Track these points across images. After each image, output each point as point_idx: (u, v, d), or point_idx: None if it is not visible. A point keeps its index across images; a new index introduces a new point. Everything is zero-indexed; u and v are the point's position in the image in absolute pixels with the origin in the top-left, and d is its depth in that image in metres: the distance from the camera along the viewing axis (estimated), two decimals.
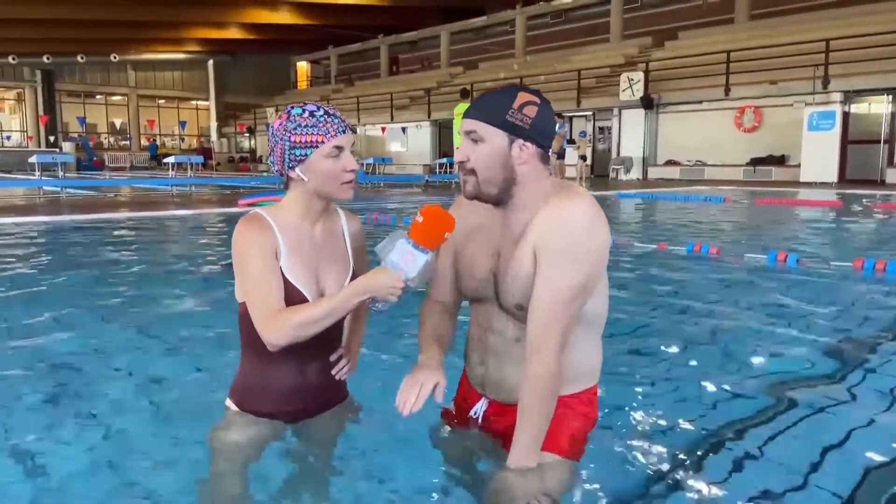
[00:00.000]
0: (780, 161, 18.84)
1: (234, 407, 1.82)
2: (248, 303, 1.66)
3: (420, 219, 1.55)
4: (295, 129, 1.66)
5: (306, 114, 1.67)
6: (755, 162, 19.05)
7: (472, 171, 1.62)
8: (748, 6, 22.10)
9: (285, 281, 1.67)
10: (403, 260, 1.55)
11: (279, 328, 1.60)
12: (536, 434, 1.61)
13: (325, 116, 1.67)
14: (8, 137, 34.77)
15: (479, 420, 1.84)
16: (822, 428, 2.10)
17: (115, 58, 32.25)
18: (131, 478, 1.79)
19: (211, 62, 37.27)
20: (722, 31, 21.49)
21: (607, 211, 11.34)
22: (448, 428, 1.90)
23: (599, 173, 22.45)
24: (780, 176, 18.26)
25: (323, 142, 1.65)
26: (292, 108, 1.69)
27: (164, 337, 3.17)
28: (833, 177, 16.73)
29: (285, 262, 1.67)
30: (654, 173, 20.92)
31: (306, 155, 1.66)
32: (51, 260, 5.81)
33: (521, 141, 1.59)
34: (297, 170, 1.68)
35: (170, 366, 2.74)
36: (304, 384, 1.78)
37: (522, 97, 1.59)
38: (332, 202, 1.77)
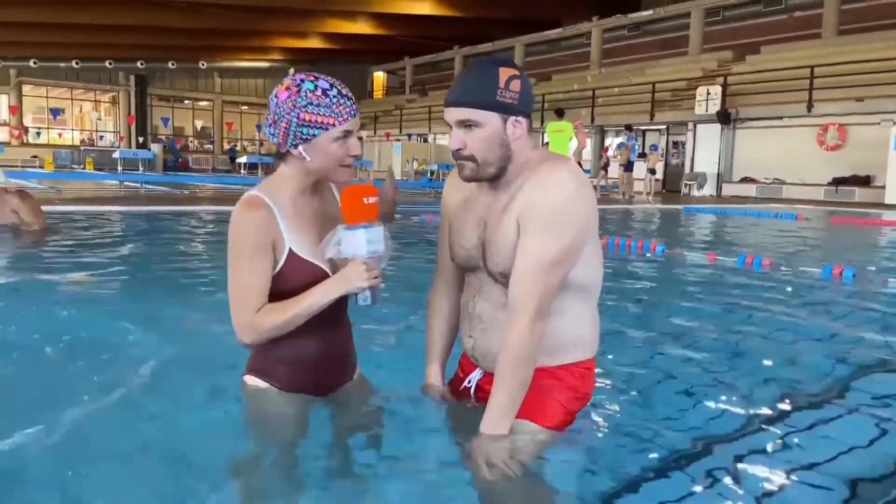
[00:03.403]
0: (864, 182, 17.89)
1: (259, 383, 1.74)
2: (230, 295, 1.62)
3: (341, 204, 1.61)
4: (306, 106, 1.57)
5: (319, 91, 1.58)
6: (837, 182, 18.16)
7: (471, 158, 1.63)
8: (836, 20, 21.14)
9: (299, 259, 1.63)
10: (348, 245, 1.58)
11: (254, 332, 1.62)
12: (510, 399, 1.62)
13: (339, 97, 1.59)
14: (101, 137, 36.86)
15: (473, 390, 1.86)
16: (836, 433, 2.02)
17: (203, 65, 33.75)
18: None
19: (292, 71, 38.45)
20: (808, 46, 20.58)
21: (673, 224, 10.89)
22: (444, 399, 1.92)
23: (671, 189, 21.91)
24: (864, 197, 17.33)
25: (334, 125, 1.58)
26: (303, 81, 1.60)
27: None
28: None
29: (293, 242, 1.63)
30: (728, 190, 20.24)
31: (313, 135, 1.58)
32: (120, 241, 6.17)
33: (513, 118, 1.62)
34: (300, 148, 1.60)
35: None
36: (328, 354, 1.77)
37: (504, 73, 1.60)
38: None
